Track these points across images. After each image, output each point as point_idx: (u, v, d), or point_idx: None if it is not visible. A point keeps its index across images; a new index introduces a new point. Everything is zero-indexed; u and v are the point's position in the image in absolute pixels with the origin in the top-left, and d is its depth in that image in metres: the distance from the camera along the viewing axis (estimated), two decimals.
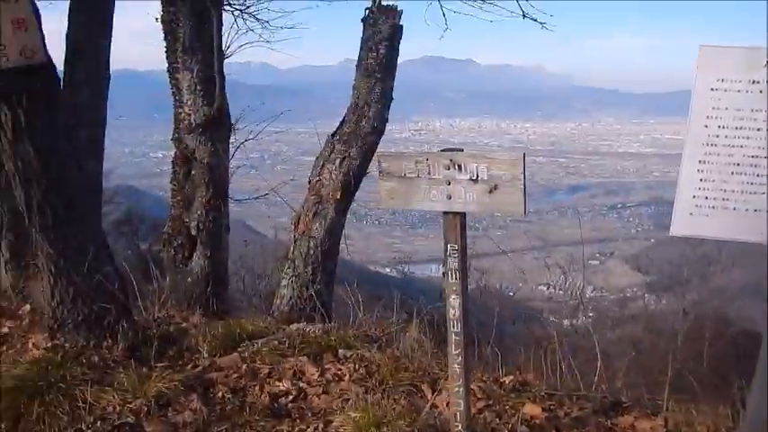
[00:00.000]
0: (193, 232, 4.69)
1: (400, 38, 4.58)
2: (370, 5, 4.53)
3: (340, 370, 3.24)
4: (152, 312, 3.91)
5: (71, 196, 3.18)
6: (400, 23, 4.55)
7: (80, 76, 5.28)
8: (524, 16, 4.83)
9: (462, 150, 2.34)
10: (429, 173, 2.33)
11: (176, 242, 4.74)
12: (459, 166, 2.28)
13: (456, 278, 2.42)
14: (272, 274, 7.75)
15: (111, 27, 5.75)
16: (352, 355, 3.37)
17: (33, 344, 3.31)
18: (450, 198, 2.32)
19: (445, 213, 2.38)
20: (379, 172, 2.44)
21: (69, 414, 2.66)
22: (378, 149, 4.40)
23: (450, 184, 2.31)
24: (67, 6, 5.36)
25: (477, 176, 2.26)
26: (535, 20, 4.87)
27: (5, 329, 3.70)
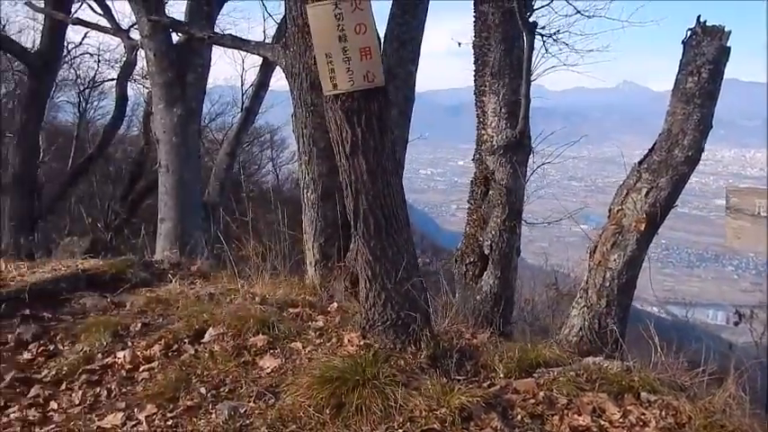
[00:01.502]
0: (486, 251, 4.80)
1: (726, 61, 4.16)
2: (692, 26, 4.21)
3: (644, 414, 3.01)
4: (442, 325, 4.06)
5: (393, 210, 3.45)
6: (727, 45, 4.14)
7: (390, 98, 5.78)
8: None
9: None
10: None
11: (468, 259, 4.90)
12: None
13: None
14: (538, 300, 7.64)
15: (419, 53, 6.20)
16: (656, 401, 3.11)
17: (348, 340, 3.64)
18: None
19: None
20: (726, 208, 2.22)
21: (382, 411, 2.86)
22: None
23: None
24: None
25: None
26: None
27: (320, 323, 4.12)
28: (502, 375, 3.32)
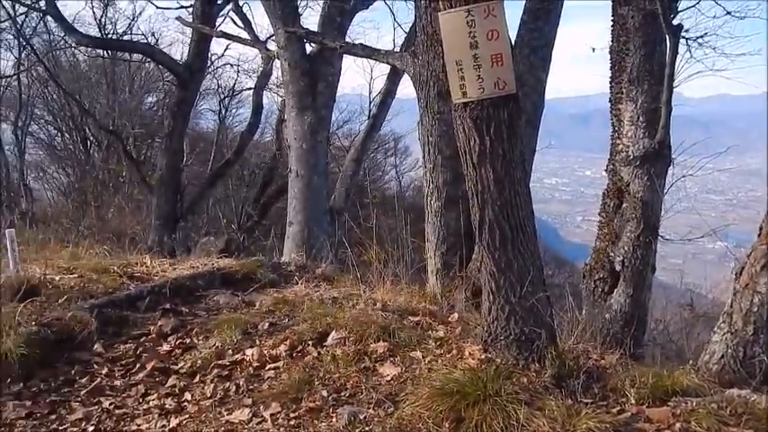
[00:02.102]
0: (617, 267, 4.54)
1: None
2: None
3: None
4: (567, 343, 3.88)
5: (520, 221, 3.34)
6: None
7: (521, 105, 5.64)
8: None
9: None
10: None
11: (598, 275, 4.66)
12: None
13: None
14: (670, 320, 7.13)
15: (551, 60, 6.01)
16: None
17: (469, 353, 3.57)
18: None
19: None
20: None
21: (503, 430, 2.77)
22: None
23: None
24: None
25: None
26: None
27: (441, 333, 4.08)
28: (633, 401, 3.11)
